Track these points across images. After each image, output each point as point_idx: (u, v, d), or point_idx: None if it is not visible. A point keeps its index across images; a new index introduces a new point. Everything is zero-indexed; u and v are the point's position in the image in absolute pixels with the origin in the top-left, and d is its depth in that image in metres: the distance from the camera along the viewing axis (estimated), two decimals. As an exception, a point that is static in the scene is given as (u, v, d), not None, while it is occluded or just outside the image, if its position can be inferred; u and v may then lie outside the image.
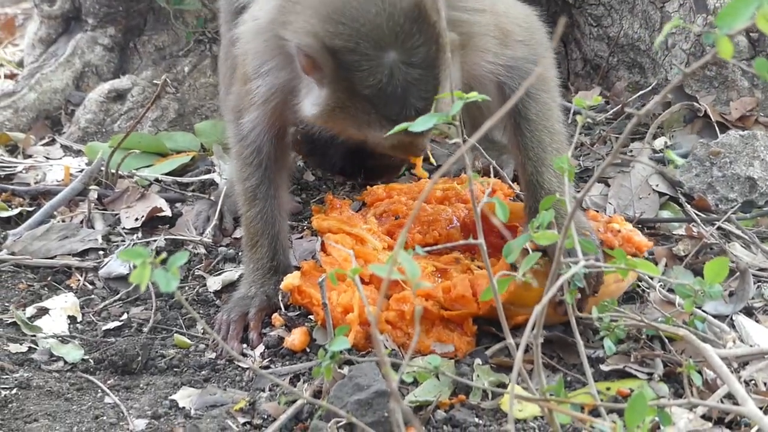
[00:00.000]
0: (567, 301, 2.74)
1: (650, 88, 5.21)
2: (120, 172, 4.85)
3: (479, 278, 3.30)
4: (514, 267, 3.18)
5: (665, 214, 4.25)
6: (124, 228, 4.42)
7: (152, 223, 4.46)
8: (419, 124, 2.41)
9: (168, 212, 4.50)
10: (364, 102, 3.00)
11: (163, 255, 2.00)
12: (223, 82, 4.49)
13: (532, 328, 2.24)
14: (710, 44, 1.70)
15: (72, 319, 3.74)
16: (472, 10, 3.15)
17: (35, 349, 3.53)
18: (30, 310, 3.76)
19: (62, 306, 3.79)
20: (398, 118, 2.86)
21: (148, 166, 5.11)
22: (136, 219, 4.44)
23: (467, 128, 3.58)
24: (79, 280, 4.03)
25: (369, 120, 3.06)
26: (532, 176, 3.42)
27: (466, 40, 3.10)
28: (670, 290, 3.46)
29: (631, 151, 4.74)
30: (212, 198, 4.53)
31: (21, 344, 3.55)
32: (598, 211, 3.89)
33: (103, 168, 4.80)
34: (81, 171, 4.88)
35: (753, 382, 3.01)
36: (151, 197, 4.60)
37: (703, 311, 3.41)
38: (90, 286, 4.01)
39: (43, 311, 3.75)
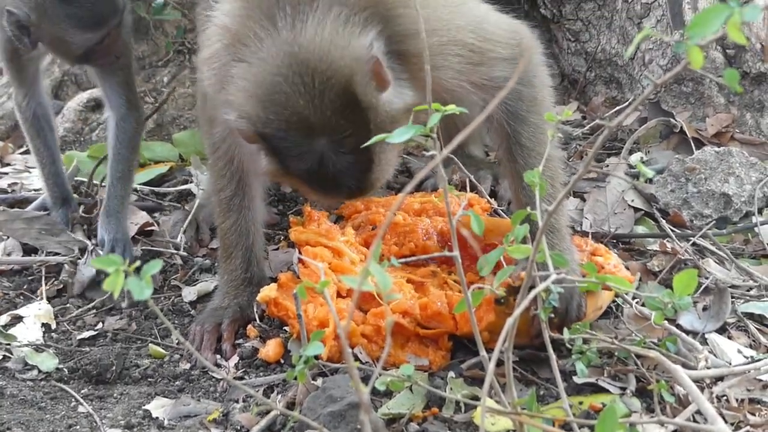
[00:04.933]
0: (541, 317, 2.74)
1: (627, 103, 5.24)
2: (95, 182, 4.84)
3: (457, 296, 3.31)
4: (498, 302, 3.21)
5: (640, 229, 4.27)
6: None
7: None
8: (396, 136, 2.41)
9: (152, 224, 4.51)
10: (298, 179, 3.06)
11: (137, 263, 2.00)
12: (201, 92, 4.50)
13: (504, 341, 2.24)
14: (682, 54, 1.70)
15: (46, 327, 3.74)
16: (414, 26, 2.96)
17: (9, 357, 3.52)
18: (4, 318, 3.75)
19: (36, 314, 3.79)
20: (331, 195, 2.91)
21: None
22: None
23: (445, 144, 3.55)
24: (54, 288, 4.02)
25: (306, 190, 3.18)
26: (526, 206, 3.41)
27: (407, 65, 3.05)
28: (645, 305, 3.47)
29: (607, 166, 4.76)
30: (188, 208, 4.53)
31: (-5, 353, 3.55)
32: (584, 235, 3.89)
33: (77, 177, 4.81)
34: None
35: (725, 397, 3.03)
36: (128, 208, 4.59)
37: (678, 325, 3.43)
38: (65, 295, 4.00)
39: (18, 319, 3.75)
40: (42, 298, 3.95)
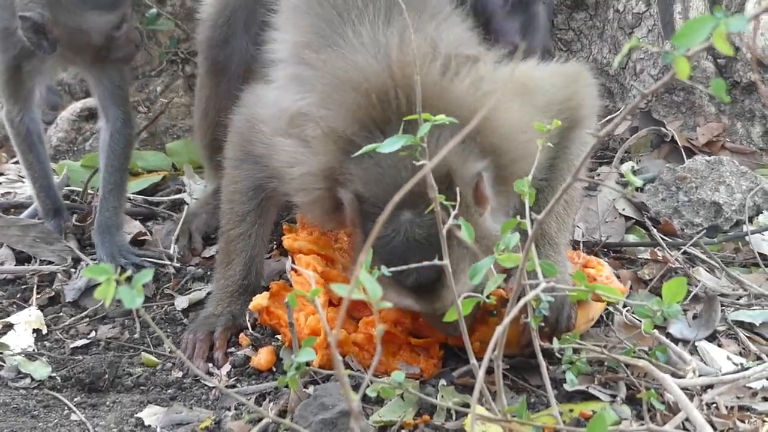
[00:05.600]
0: (531, 326, 2.75)
1: (619, 113, 5.25)
2: (89, 191, 4.86)
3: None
4: (490, 314, 3.22)
5: (631, 238, 4.28)
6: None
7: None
8: (387, 145, 2.43)
9: (145, 233, 4.51)
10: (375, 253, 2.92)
11: (129, 272, 2.01)
12: (199, 105, 4.52)
13: (494, 349, 2.25)
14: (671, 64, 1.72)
15: (38, 334, 3.75)
16: (512, 132, 3.13)
17: (2, 366, 3.52)
18: (-4, 327, 3.77)
19: (26, 320, 3.80)
20: (401, 279, 2.90)
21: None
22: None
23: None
24: (47, 297, 4.03)
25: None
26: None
27: (502, 170, 3.12)
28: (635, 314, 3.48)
29: (598, 175, 4.77)
30: (180, 217, 4.54)
31: (-12, 361, 3.55)
32: (576, 244, 3.90)
33: (69, 186, 4.83)
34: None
35: (714, 405, 3.04)
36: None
37: (668, 333, 3.44)
38: (58, 304, 4.01)
39: (9, 327, 3.76)
40: (32, 305, 3.96)
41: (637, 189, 4.47)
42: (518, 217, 2.63)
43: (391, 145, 2.44)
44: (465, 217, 2.71)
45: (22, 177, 5.28)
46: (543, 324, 3.04)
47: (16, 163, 5.47)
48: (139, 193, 5.02)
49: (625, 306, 3.50)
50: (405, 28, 3.02)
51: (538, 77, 3.41)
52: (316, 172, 3.14)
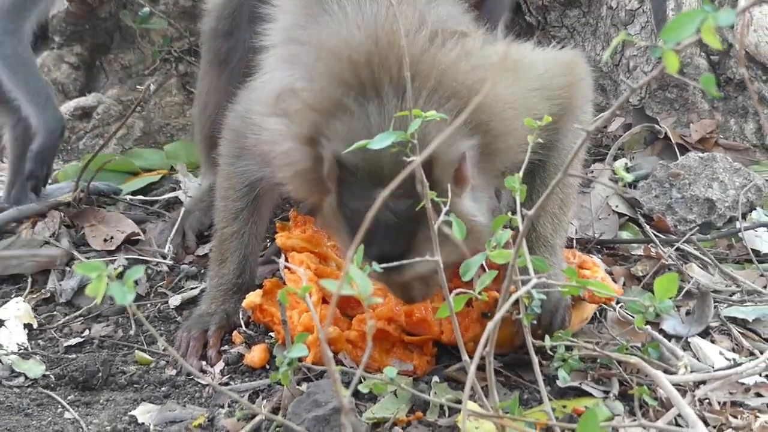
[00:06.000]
0: (523, 323, 2.74)
1: (612, 110, 5.25)
2: (84, 181, 4.84)
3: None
4: (484, 315, 3.22)
5: (625, 234, 4.28)
6: (89, 246, 4.42)
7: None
8: (377, 142, 2.43)
9: (139, 233, 4.51)
10: (344, 220, 2.99)
11: (120, 269, 2.01)
12: (200, 97, 4.52)
13: (485, 345, 2.25)
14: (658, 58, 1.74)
15: (30, 330, 3.75)
16: (499, 107, 3.06)
17: (-4, 365, 3.53)
18: (-13, 324, 3.77)
19: (15, 314, 3.80)
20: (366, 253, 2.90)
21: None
22: (105, 240, 4.41)
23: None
24: (41, 297, 4.03)
25: (344, 239, 3.08)
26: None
27: (488, 147, 3.06)
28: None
29: (592, 172, 4.77)
30: (174, 216, 4.52)
31: (-19, 361, 3.55)
32: (569, 241, 3.89)
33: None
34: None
35: (707, 400, 3.04)
36: (115, 217, 4.58)
37: (661, 330, 3.45)
38: (52, 302, 4.01)
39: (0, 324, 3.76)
40: (20, 299, 3.96)
41: (630, 186, 4.48)
42: (509, 214, 2.62)
43: (381, 141, 2.44)
44: (440, 180, 2.73)
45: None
46: (536, 322, 3.04)
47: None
48: (134, 192, 5.01)
49: (617, 302, 3.50)
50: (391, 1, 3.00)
51: (531, 59, 3.37)
52: (297, 140, 3.09)
